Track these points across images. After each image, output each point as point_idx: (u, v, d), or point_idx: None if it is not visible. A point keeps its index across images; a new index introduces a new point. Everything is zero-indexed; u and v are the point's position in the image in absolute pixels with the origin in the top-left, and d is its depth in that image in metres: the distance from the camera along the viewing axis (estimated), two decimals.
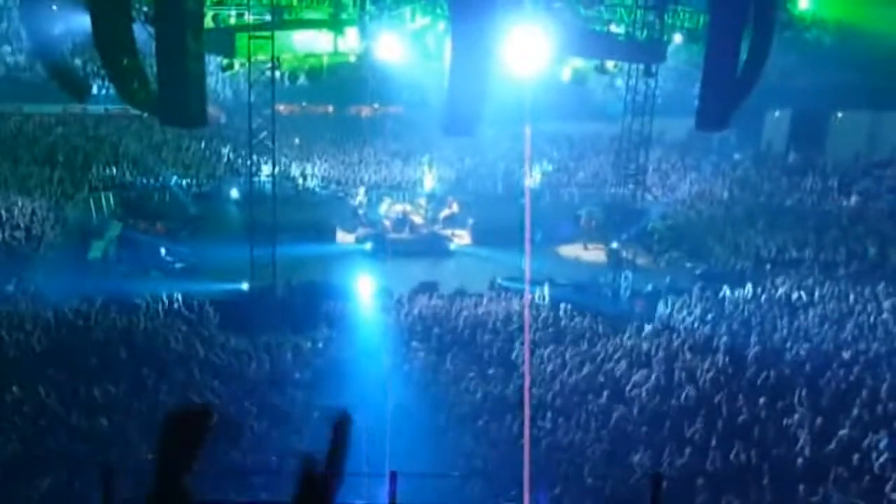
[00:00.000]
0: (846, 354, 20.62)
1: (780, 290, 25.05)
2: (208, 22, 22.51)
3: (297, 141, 38.90)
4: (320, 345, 21.84)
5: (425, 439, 17.05)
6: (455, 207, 32.68)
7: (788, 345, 21.26)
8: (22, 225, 28.26)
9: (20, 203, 29.87)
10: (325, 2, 24.56)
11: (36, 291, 24.03)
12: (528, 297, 24.32)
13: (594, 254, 31.27)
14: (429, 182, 35.03)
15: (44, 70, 27.33)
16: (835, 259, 27.77)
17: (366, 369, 20.14)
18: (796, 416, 17.98)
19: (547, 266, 26.88)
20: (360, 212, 32.63)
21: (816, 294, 24.60)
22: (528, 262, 23.89)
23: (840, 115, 43.59)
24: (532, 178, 36.61)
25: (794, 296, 24.54)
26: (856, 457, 16.61)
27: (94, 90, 35.26)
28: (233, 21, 23.88)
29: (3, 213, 28.93)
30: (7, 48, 41.92)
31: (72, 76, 25.82)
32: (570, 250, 31.77)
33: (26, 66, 40.62)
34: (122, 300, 23.30)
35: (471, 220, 32.07)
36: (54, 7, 24.04)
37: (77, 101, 32.20)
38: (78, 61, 34.86)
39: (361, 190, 34.22)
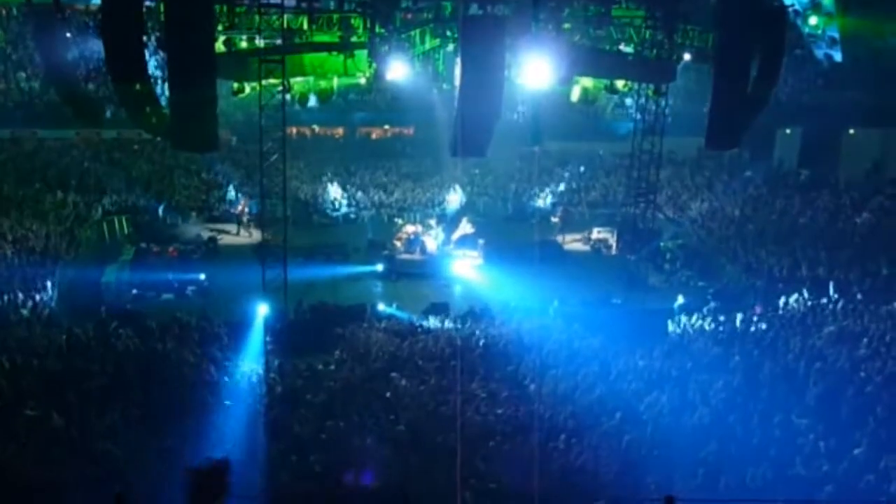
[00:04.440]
0: (861, 373, 20.47)
1: (793, 309, 24.92)
2: (220, 47, 22.72)
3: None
4: (332, 367, 21.83)
5: (437, 460, 17.00)
6: (469, 228, 32.70)
7: (802, 364, 21.12)
8: (37, 248, 28.44)
9: (34, 227, 30.10)
10: (335, 25, 24.72)
11: (50, 315, 24.16)
12: (536, 317, 24.35)
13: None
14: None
15: (58, 95, 27.57)
16: (848, 277, 27.57)
17: (378, 391, 20.14)
18: (811, 436, 17.84)
19: (559, 283, 26.87)
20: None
21: (830, 313, 24.46)
22: (536, 284, 23.91)
23: (852, 132, 43.45)
24: (542, 199, 36.73)
25: (807, 314, 24.40)
26: (871, 477, 16.45)
27: (107, 115, 35.50)
28: (244, 45, 24.10)
29: (19, 236, 29.15)
30: (22, 74, 42.39)
31: (85, 101, 26.05)
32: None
33: (41, 91, 41.05)
34: (136, 323, 23.40)
35: (481, 241, 32.07)
36: (67, 34, 24.34)
37: (90, 125, 32.44)
38: (91, 87, 35.21)
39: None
